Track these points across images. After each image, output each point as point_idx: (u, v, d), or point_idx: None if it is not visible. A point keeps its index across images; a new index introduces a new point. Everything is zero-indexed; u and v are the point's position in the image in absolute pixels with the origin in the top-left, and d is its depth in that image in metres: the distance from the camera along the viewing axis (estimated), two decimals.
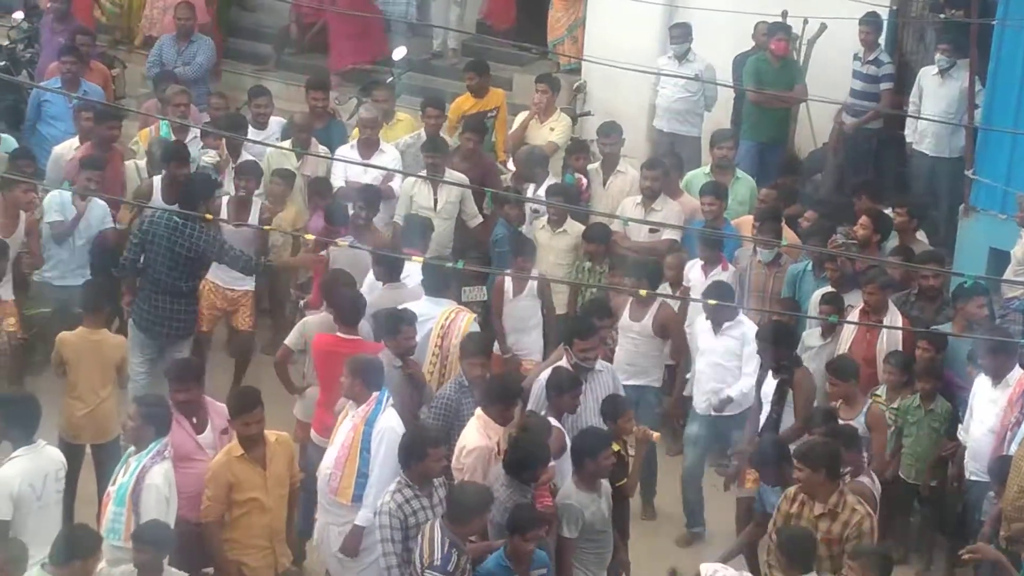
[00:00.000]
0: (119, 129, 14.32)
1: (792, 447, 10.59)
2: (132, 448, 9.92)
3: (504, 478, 9.87)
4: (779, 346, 11.54)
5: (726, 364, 12.24)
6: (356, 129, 15.50)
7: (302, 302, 13.36)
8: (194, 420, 10.43)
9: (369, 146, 14.60)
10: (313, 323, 11.81)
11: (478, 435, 10.33)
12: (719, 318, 12.12)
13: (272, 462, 10.08)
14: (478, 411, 10.50)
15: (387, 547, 9.69)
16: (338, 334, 11.39)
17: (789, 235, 13.56)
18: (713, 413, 12.28)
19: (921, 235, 13.58)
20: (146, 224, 12.63)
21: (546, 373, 11.17)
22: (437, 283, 11.99)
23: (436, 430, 10.23)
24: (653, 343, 12.66)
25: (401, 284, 12.31)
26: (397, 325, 11.17)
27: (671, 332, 12.64)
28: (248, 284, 13.59)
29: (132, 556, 9.27)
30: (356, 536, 10.19)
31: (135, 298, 12.75)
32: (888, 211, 13.51)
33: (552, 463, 10.13)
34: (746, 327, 12.13)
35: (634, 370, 12.51)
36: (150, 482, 9.62)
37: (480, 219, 14.37)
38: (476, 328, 11.82)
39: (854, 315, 12.31)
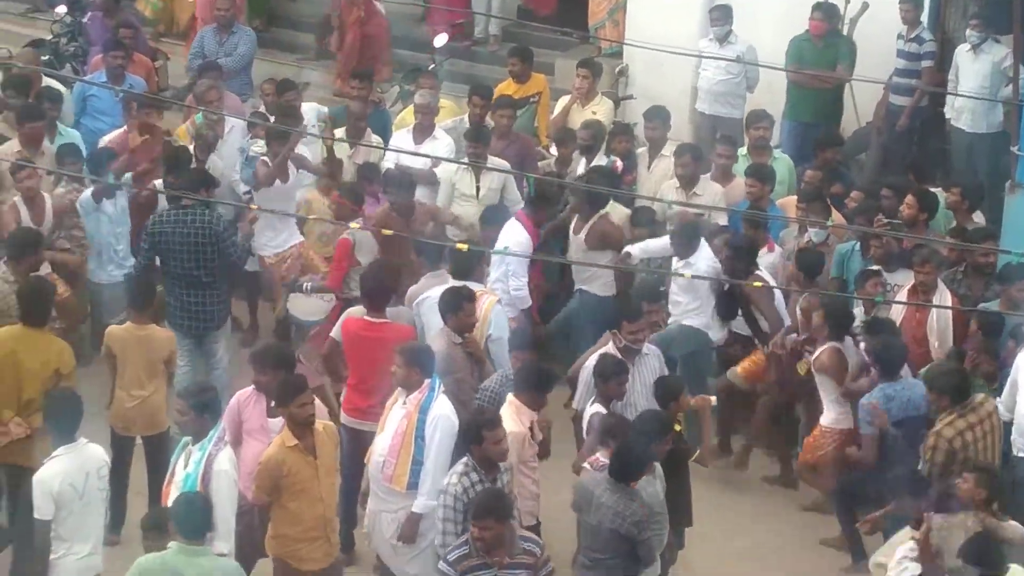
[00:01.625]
0: (160, 117, 14.41)
1: None
2: (188, 439, 9.94)
3: (608, 483, 9.76)
4: (738, 258, 12.68)
5: (681, 299, 12.85)
6: (400, 116, 15.53)
7: (307, 285, 13.33)
8: (272, 403, 10.49)
9: (423, 132, 14.61)
10: (357, 313, 11.77)
11: (511, 421, 10.35)
12: (682, 255, 12.78)
13: (321, 451, 10.08)
14: (510, 397, 10.55)
15: (447, 527, 9.73)
16: (366, 318, 11.44)
17: (835, 215, 13.53)
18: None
19: (979, 216, 13.50)
20: (151, 225, 12.72)
21: (592, 360, 11.18)
22: (462, 267, 12.02)
23: (492, 412, 10.20)
24: (589, 256, 13.22)
25: (442, 273, 12.32)
26: (460, 302, 11.23)
27: (610, 244, 13.25)
28: (296, 238, 13.80)
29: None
30: (413, 523, 10.23)
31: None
32: (938, 190, 13.46)
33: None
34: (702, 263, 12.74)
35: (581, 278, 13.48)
36: (219, 468, 9.67)
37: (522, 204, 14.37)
38: (499, 309, 11.83)
39: (902, 294, 12.29)
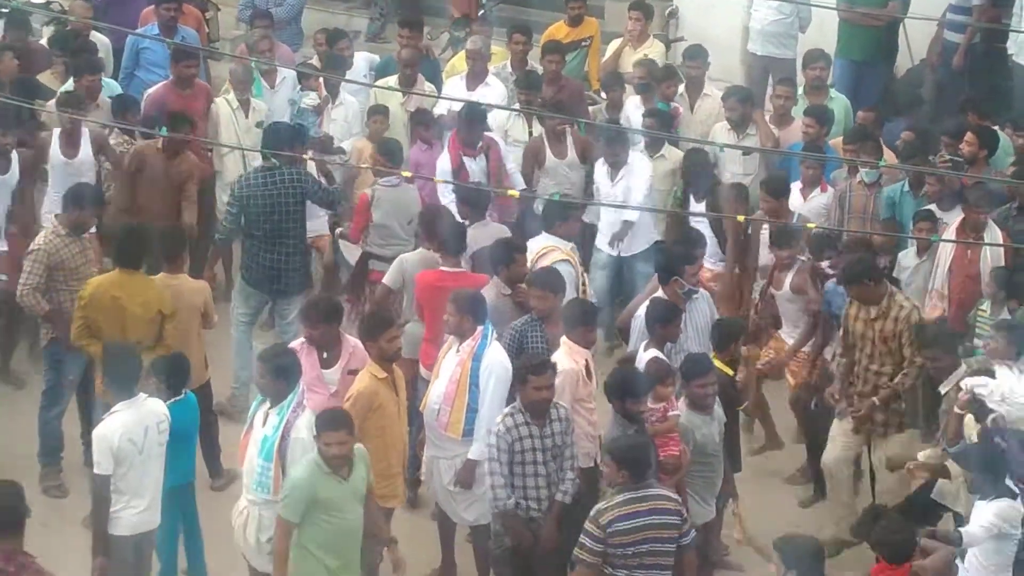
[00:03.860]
0: (196, 67, 14.45)
1: None
2: (263, 399, 9.90)
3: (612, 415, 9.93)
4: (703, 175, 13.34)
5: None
6: (450, 63, 15.52)
7: (339, 230, 13.41)
8: (325, 355, 10.58)
9: (476, 78, 14.63)
10: (411, 260, 11.84)
11: (565, 359, 10.40)
12: (616, 164, 13.25)
13: (400, 389, 10.23)
14: (563, 338, 10.58)
15: (493, 467, 9.86)
16: (442, 268, 11.46)
17: (887, 154, 13.46)
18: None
19: None
20: (238, 188, 12.69)
21: (644, 306, 11.21)
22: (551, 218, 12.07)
23: (543, 357, 10.21)
24: (576, 173, 13.60)
25: (487, 221, 12.32)
26: (511, 253, 11.28)
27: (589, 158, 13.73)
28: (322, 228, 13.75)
29: None
30: (470, 469, 10.32)
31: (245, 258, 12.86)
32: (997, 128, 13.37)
33: (676, 412, 10.15)
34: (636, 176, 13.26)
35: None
36: (296, 436, 9.62)
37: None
38: (565, 268, 11.76)
39: (950, 232, 12.22)
